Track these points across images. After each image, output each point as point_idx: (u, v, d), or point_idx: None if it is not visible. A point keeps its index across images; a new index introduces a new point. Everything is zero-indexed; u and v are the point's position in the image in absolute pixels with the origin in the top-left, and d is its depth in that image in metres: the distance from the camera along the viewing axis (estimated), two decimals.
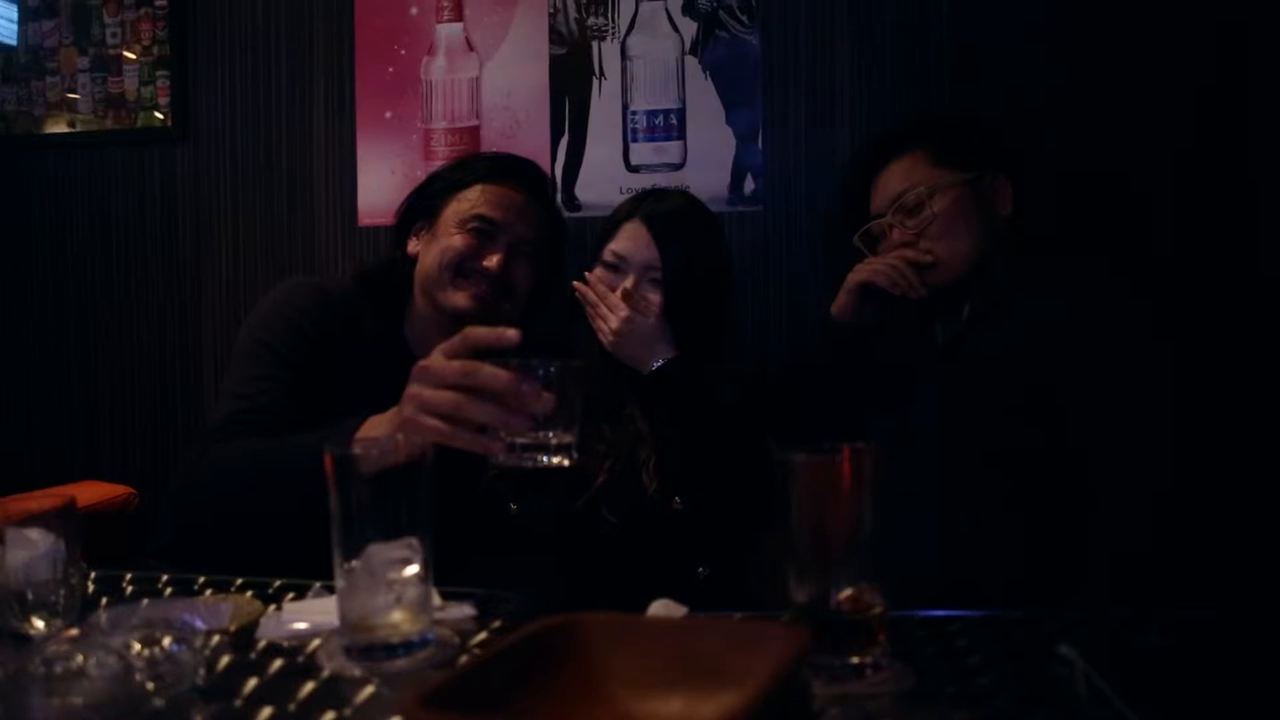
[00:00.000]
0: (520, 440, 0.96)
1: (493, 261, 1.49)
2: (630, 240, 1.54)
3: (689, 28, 2.11)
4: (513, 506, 1.48)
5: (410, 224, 1.60)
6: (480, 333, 1.02)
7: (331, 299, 1.48)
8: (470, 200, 1.52)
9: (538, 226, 1.56)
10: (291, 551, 1.03)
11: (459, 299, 1.48)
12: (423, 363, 1.02)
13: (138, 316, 2.40)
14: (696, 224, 1.59)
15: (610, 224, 1.59)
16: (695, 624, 0.78)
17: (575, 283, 1.55)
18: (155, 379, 2.39)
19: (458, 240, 1.50)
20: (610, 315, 1.50)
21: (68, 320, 2.44)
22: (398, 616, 0.82)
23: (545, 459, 0.96)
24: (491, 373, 0.96)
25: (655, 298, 1.52)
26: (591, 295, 1.53)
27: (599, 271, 1.55)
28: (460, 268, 1.49)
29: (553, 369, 0.96)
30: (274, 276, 2.31)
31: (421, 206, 1.59)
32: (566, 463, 0.96)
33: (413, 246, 1.58)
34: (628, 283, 1.52)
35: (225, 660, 0.82)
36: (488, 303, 1.49)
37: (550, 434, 0.96)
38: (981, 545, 1.31)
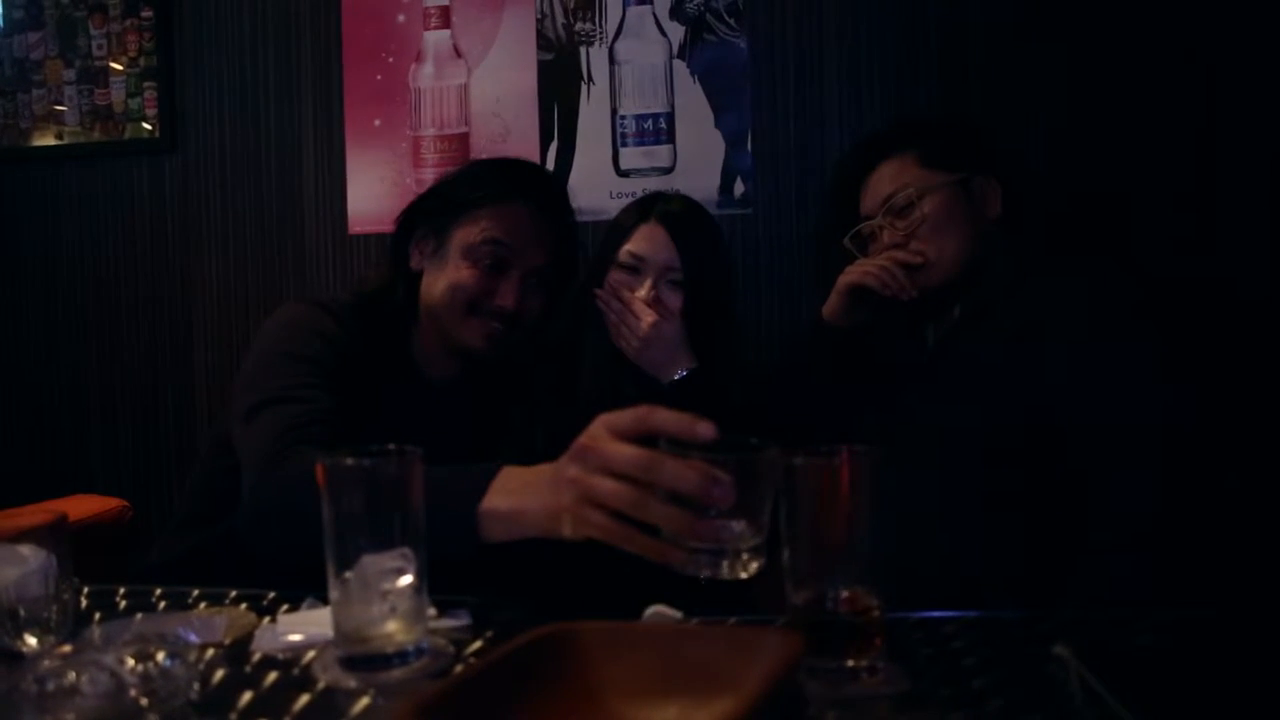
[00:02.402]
0: (704, 545, 0.79)
1: (507, 300, 1.43)
2: (648, 241, 1.53)
3: (677, 32, 2.12)
4: None
5: (411, 233, 1.52)
6: (666, 418, 0.82)
7: (339, 319, 1.41)
8: (481, 228, 1.44)
9: (552, 248, 1.48)
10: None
11: (471, 338, 1.43)
12: (586, 441, 0.85)
13: (128, 328, 2.40)
14: (707, 224, 1.60)
15: (619, 229, 1.56)
16: (689, 631, 0.78)
17: (597, 291, 1.54)
18: (147, 391, 2.38)
19: (468, 276, 1.43)
20: (637, 322, 1.49)
21: (58, 333, 2.43)
22: (392, 627, 0.82)
23: (733, 567, 0.79)
24: (677, 470, 0.78)
25: (675, 299, 1.53)
26: (615, 303, 1.51)
27: (614, 275, 1.54)
28: (472, 305, 1.43)
29: (747, 462, 0.79)
30: (265, 286, 2.31)
31: (426, 220, 1.51)
32: (756, 566, 0.80)
33: (415, 261, 1.50)
34: (646, 285, 1.51)
35: (220, 674, 0.82)
36: (498, 339, 1.44)
37: (738, 535, 0.79)
38: (974, 546, 1.31)
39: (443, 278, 1.45)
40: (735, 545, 0.79)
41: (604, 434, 0.84)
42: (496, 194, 1.47)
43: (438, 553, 0.86)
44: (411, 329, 1.51)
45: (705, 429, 0.80)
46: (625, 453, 0.81)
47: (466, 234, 1.45)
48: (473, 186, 1.49)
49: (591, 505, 0.82)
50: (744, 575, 0.79)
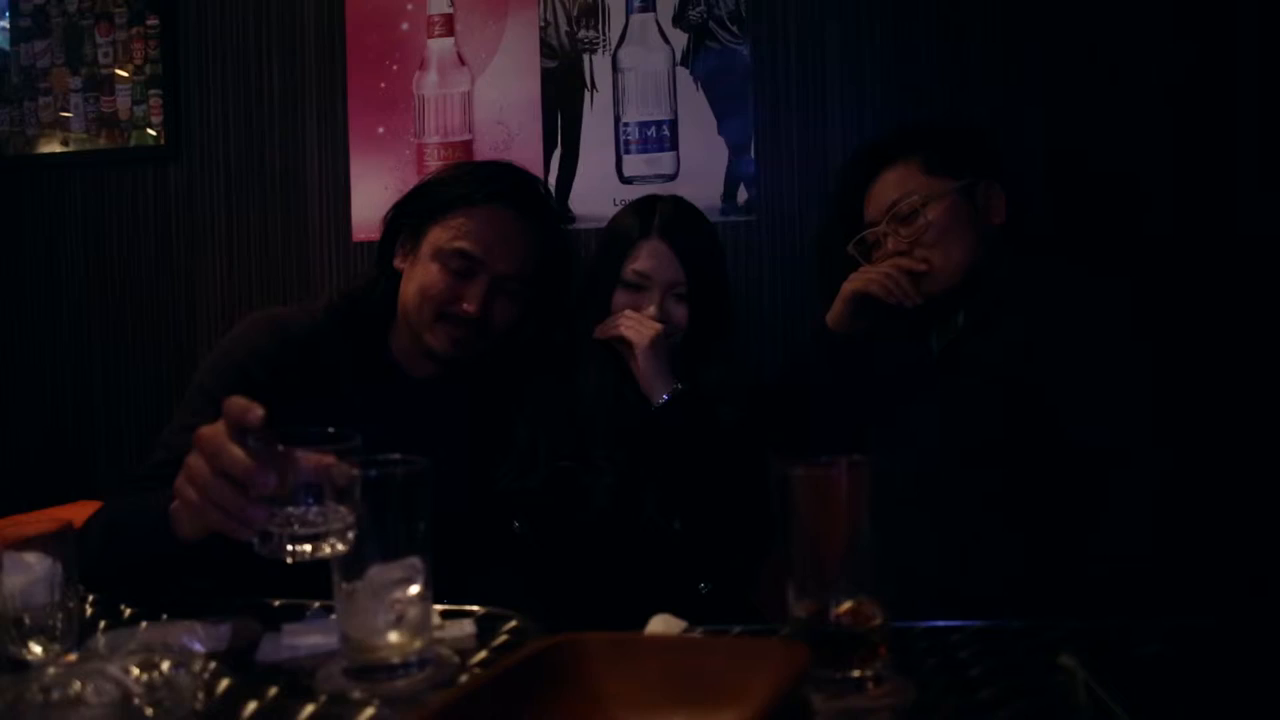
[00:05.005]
0: (272, 529, 0.83)
1: (472, 305, 1.42)
2: (653, 259, 1.54)
3: (679, 39, 2.12)
4: (516, 524, 1.48)
5: (395, 236, 1.53)
6: (232, 404, 0.87)
7: (292, 334, 1.41)
8: (454, 230, 1.44)
9: (526, 255, 1.47)
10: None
11: (436, 341, 1.44)
12: (201, 428, 0.89)
13: (132, 336, 2.39)
14: (706, 229, 1.62)
15: (621, 241, 1.57)
16: (695, 642, 0.78)
17: (600, 328, 1.55)
18: (150, 398, 2.38)
19: (436, 279, 1.43)
20: (643, 328, 1.50)
21: (62, 340, 2.43)
22: (398, 637, 0.82)
23: (298, 549, 0.82)
24: (231, 458, 0.85)
25: (681, 312, 1.55)
26: (619, 323, 1.52)
27: (620, 295, 1.55)
28: (439, 311, 1.43)
29: (285, 454, 0.82)
30: (269, 293, 2.31)
31: (406, 222, 1.52)
32: (341, 548, 0.82)
33: (398, 262, 1.52)
34: (653, 305, 1.52)
35: (224, 683, 0.82)
36: (463, 343, 1.45)
37: (307, 521, 0.82)
38: (979, 552, 1.31)
39: (414, 280, 1.46)
40: (295, 531, 0.81)
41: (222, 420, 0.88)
42: (473, 197, 1.46)
43: (144, 550, 1.05)
44: (390, 328, 1.52)
45: (256, 413, 0.85)
46: (205, 435, 0.87)
47: (439, 235, 1.45)
48: (451, 188, 1.49)
49: (188, 482, 0.90)
50: (315, 556, 0.81)
